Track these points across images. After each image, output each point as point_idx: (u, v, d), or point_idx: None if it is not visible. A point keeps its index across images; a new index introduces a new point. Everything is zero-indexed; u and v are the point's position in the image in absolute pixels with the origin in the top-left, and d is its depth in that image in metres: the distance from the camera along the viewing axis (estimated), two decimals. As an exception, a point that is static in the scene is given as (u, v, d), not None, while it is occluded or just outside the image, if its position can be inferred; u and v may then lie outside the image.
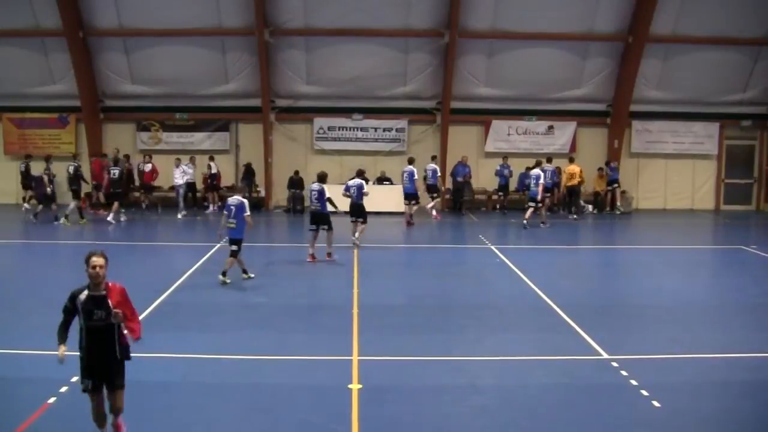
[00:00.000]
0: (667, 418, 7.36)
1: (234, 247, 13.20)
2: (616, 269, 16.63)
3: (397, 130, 25.45)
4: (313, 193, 15.66)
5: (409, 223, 21.31)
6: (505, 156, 24.67)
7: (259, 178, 25.13)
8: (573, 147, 25.63)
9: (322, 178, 15.81)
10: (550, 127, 25.71)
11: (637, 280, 14.90)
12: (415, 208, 21.60)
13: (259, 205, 24.85)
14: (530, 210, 21.02)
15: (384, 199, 23.20)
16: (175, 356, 9.04)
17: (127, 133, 25.38)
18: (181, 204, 23.04)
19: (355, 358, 9.02)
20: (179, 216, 22.46)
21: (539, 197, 21.00)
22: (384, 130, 25.47)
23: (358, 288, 12.93)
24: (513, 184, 25.07)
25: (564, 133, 25.74)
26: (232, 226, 13.20)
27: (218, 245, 17.26)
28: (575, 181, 23.65)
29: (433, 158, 23.39)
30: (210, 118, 25.40)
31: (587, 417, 7.43)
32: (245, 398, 7.75)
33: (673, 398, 7.77)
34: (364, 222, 17.01)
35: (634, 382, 8.20)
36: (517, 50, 24.24)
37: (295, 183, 24.37)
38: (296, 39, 24.14)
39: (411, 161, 21.84)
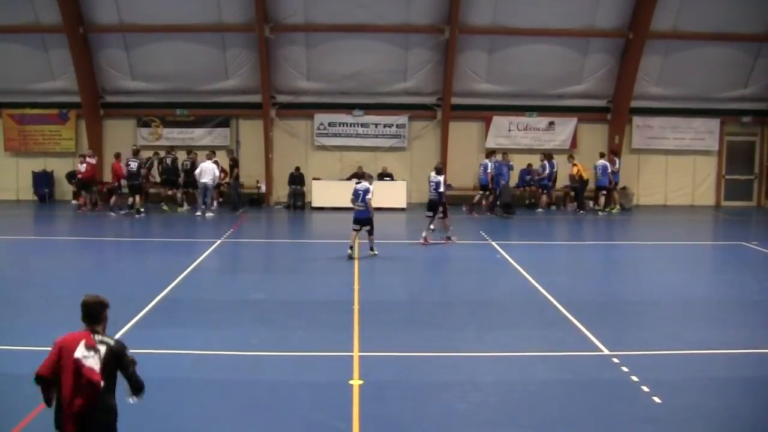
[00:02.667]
0: (668, 414, 7.38)
1: (367, 227, 15.16)
2: (617, 265, 16.60)
3: (397, 126, 25.41)
4: (432, 183, 17.14)
5: (472, 210, 23.10)
6: (505, 152, 24.60)
7: (260, 174, 25.07)
8: (574, 143, 25.60)
9: (439, 170, 17.24)
10: (551, 123, 25.67)
11: (637, 276, 14.90)
12: (477, 197, 23.37)
13: (259, 201, 24.86)
14: (602, 198, 23.50)
15: (385, 195, 23.15)
16: (175, 352, 9.06)
17: (128, 129, 25.32)
18: (210, 202, 22.35)
19: (356, 354, 9.03)
20: (207, 214, 21.78)
21: (610, 186, 23.51)
22: (384, 126, 25.42)
23: (358, 284, 12.93)
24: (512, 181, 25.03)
25: (565, 129, 25.70)
26: (361, 208, 15.14)
27: (219, 241, 17.30)
28: (576, 172, 23.91)
29: (494, 152, 23.87)
30: (210, 114, 25.32)
31: (588, 413, 7.45)
32: (246, 394, 7.75)
33: (674, 394, 7.79)
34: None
35: (635, 378, 8.21)
36: (517, 46, 24.17)
37: (296, 179, 24.33)
38: (297, 35, 24.07)
39: (489, 155, 23.47)
